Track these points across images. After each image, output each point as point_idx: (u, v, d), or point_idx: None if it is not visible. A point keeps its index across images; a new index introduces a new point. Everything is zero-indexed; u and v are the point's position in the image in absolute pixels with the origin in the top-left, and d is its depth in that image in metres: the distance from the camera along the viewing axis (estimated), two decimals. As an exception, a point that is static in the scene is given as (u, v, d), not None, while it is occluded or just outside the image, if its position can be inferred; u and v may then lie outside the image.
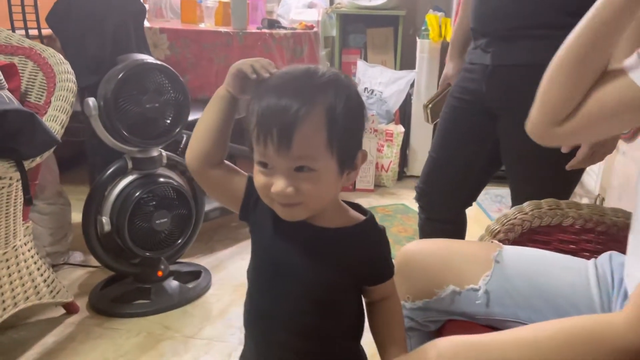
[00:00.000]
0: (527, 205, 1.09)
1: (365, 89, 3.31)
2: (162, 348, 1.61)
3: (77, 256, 2.12)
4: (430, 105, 1.58)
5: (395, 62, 3.45)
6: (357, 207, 0.80)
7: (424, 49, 3.16)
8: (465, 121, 1.41)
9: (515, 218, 1.08)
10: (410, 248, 1.05)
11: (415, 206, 2.70)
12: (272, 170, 0.68)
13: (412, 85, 3.25)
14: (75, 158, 2.91)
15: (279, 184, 0.67)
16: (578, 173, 1.31)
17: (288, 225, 0.73)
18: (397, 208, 2.83)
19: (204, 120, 0.79)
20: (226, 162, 0.80)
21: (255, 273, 0.79)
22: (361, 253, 0.76)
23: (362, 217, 0.77)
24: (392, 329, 0.80)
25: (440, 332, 1.00)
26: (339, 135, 0.67)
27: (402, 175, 3.33)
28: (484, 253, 0.97)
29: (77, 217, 2.12)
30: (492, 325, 0.94)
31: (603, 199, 2.49)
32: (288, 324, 0.76)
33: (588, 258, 0.97)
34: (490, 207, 2.89)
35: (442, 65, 3.17)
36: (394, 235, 2.48)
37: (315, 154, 0.66)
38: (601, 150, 1.17)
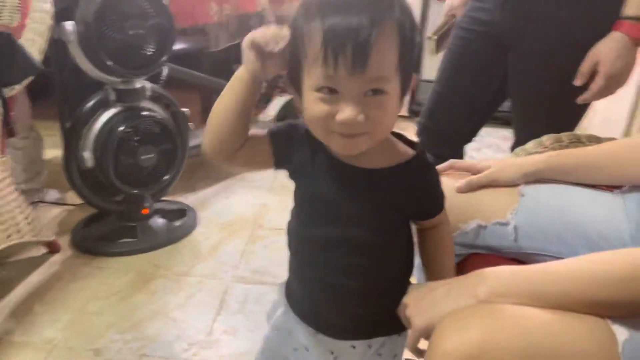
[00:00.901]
0: (546, 139, 1.07)
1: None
2: (154, 286, 1.57)
3: (53, 194, 2.02)
4: (435, 37, 1.52)
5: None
6: (403, 139, 0.75)
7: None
8: (474, 53, 1.36)
9: (535, 152, 1.06)
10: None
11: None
12: (338, 96, 0.60)
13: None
14: (40, 91, 2.73)
15: (347, 112, 0.60)
16: (584, 107, 1.30)
17: (335, 170, 0.69)
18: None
19: (222, 108, 0.69)
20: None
21: (302, 222, 0.75)
22: (413, 192, 0.71)
23: (411, 152, 0.72)
24: (442, 256, 0.78)
25: (462, 265, 0.99)
26: (409, 53, 0.62)
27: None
28: (508, 186, 0.96)
29: (49, 153, 2.01)
30: (517, 259, 0.93)
31: (583, 139, 2.52)
32: (340, 268, 0.72)
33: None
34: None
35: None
36: (377, 174, 2.46)
37: (389, 74, 0.61)
38: (615, 82, 1.16)
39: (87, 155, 1.62)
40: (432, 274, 0.77)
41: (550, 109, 1.30)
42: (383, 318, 0.76)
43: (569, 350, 0.59)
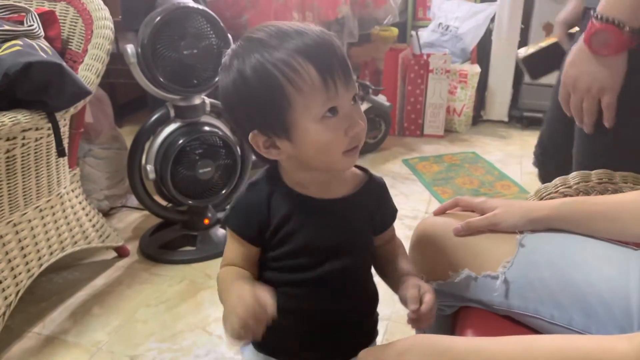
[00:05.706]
0: (572, 177, 0.93)
1: (440, 24, 3.05)
2: (201, 297, 1.63)
3: (135, 199, 2.17)
4: (526, 61, 1.31)
5: (475, -6, 3.15)
6: None
7: (507, -22, 2.83)
8: None
9: (556, 192, 0.92)
10: (430, 222, 0.93)
11: (487, 155, 2.53)
12: (340, 112, 0.66)
13: (492, 20, 2.96)
14: (138, 100, 2.96)
15: (361, 122, 0.68)
16: None
17: (316, 209, 0.73)
18: (466, 157, 2.64)
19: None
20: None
21: (295, 271, 0.74)
22: (377, 208, 0.79)
23: (362, 174, 0.78)
24: (403, 257, 0.82)
25: (455, 317, 0.90)
26: None
27: (477, 119, 3.09)
28: (511, 232, 0.85)
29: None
30: (511, 317, 0.82)
31: None
32: (345, 291, 0.76)
33: (640, 246, 0.81)
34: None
35: (527, -4, 2.85)
36: (457, 187, 2.32)
37: None
38: None
39: (150, 169, 1.72)
40: (400, 279, 0.77)
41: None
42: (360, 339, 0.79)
43: None
